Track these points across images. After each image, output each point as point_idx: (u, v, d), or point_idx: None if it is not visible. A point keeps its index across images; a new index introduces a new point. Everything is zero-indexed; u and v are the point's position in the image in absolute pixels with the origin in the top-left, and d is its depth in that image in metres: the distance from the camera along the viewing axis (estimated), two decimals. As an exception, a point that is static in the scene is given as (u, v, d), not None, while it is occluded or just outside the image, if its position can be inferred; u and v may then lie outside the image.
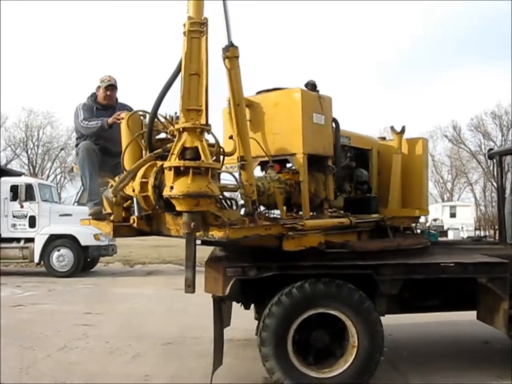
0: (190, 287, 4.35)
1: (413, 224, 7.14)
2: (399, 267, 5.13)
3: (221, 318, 5.10)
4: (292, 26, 76.07)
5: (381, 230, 5.99)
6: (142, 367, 6.02)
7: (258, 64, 46.85)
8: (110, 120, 5.59)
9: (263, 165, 5.60)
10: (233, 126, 4.70)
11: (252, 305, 5.85)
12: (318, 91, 5.61)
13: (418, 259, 5.41)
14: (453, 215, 40.32)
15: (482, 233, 33.24)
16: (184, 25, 4.21)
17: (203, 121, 4.18)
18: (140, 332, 7.67)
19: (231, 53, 4.46)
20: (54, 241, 15.24)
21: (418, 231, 7.42)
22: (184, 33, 4.21)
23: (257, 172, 5.65)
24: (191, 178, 3.99)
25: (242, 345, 6.83)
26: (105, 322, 8.60)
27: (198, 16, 4.21)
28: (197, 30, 4.20)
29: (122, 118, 5.20)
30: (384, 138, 7.25)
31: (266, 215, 5.47)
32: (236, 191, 4.77)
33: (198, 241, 5.14)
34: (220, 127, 5.68)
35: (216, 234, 4.34)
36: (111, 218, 5.23)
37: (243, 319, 6.30)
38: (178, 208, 4.13)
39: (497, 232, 8.57)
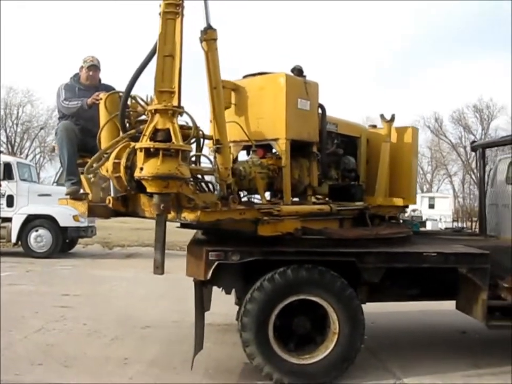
0: (159, 268, 4.42)
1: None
2: (382, 255, 5.14)
3: (202, 302, 5.06)
4: (282, 26, 76.19)
5: (365, 218, 5.97)
6: (121, 350, 5.97)
7: (248, 63, 46.92)
8: (89, 100, 5.51)
9: (248, 150, 5.55)
10: (210, 109, 4.67)
11: (233, 291, 5.82)
12: (304, 76, 5.55)
13: (401, 248, 5.43)
14: (431, 206, 40.70)
15: (459, 225, 33.72)
16: (160, 5, 4.17)
17: (175, 103, 4.19)
18: (118, 315, 7.61)
19: (208, 35, 4.44)
20: (32, 221, 14.99)
21: (401, 220, 7.42)
22: (160, 14, 4.17)
23: (243, 156, 5.61)
24: (161, 160, 4.02)
25: (222, 330, 6.81)
26: (84, 305, 8.51)
27: None
28: (172, 11, 4.18)
29: (101, 99, 5.16)
30: (375, 126, 7.10)
31: (250, 200, 5.44)
32: (212, 174, 4.75)
33: (178, 224, 5.14)
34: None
35: (188, 216, 4.37)
36: (89, 198, 5.22)
37: (222, 304, 6.27)
38: (148, 189, 4.17)
39: (474, 223, 8.65)
